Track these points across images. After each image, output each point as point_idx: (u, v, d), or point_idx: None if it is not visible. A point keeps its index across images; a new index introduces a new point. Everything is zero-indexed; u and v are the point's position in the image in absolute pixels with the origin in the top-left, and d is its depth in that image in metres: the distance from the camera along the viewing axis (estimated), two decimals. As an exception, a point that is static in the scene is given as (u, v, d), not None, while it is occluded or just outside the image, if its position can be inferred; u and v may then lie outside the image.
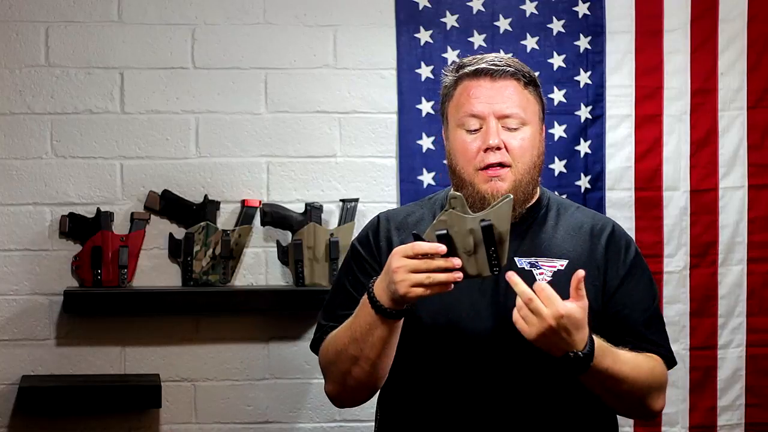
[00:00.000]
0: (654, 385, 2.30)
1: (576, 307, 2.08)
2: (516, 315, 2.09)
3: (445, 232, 2.07)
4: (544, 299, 2.07)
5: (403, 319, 2.17)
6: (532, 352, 2.21)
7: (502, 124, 2.26)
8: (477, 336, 2.26)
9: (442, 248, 2.06)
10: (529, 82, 2.31)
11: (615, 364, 2.18)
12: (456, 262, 2.06)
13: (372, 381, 2.24)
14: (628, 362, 2.22)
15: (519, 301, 2.08)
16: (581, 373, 2.14)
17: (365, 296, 2.17)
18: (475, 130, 2.27)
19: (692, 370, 3.71)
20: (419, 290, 2.08)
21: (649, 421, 2.35)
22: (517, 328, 2.09)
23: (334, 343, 2.25)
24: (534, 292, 2.09)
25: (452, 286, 2.08)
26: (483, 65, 2.29)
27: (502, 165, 2.26)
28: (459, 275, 2.07)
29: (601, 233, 2.34)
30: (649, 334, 2.34)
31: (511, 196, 2.12)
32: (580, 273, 2.09)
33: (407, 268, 2.07)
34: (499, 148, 2.25)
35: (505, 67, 2.29)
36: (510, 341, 2.22)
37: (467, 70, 2.31)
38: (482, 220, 2.07)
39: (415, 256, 2.08)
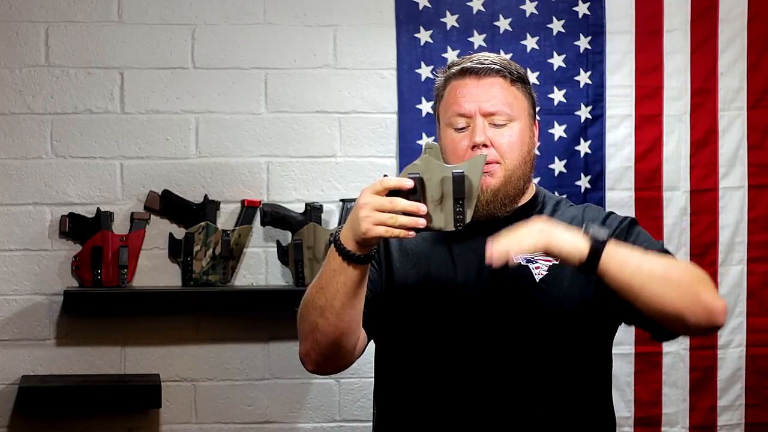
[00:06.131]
0: (695, 272, 2.18)
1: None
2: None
3: (418, 175, 2.08)
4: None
5: (367, 267, 2.14)
6: (529, 344, 2.23)
7: (489, 121, 2.29)
8: (472, 324, 2.27)
9: (409, 182, 2.06)
10: (517, 79, 2.33)
11: (636, 252, 2.15)
12: (423, 208, 2.06)
13: (338, 337, 2.21)
14: (652, 256, 2.19)
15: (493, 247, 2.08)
16: (605, 239, 2.11)
17: (332, 243, 2.17)
18: (463, 129, 2.30)
19: (692, 370, 3.71)
20: (381, 229, 2.06)
21: (715, 329, 2.17)
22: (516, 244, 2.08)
23: (305, 298, 2.26)
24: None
25: (414, 233, 2.07)
26: (468, 64, 2.32)
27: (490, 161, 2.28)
28: (423, 222, 2.06)
29: (595, 219, 2.34)
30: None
31: (486, 154, 2.18)
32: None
33: (373, 206, 2.07)
34: (485, 146, 2.26)
35: (490, 65, 2.31)
36: (504, 321, 2.24)
37: (454, 69, 2.33)
38: (455, 170, 2.08)
39: (384, 192, 2.07)
